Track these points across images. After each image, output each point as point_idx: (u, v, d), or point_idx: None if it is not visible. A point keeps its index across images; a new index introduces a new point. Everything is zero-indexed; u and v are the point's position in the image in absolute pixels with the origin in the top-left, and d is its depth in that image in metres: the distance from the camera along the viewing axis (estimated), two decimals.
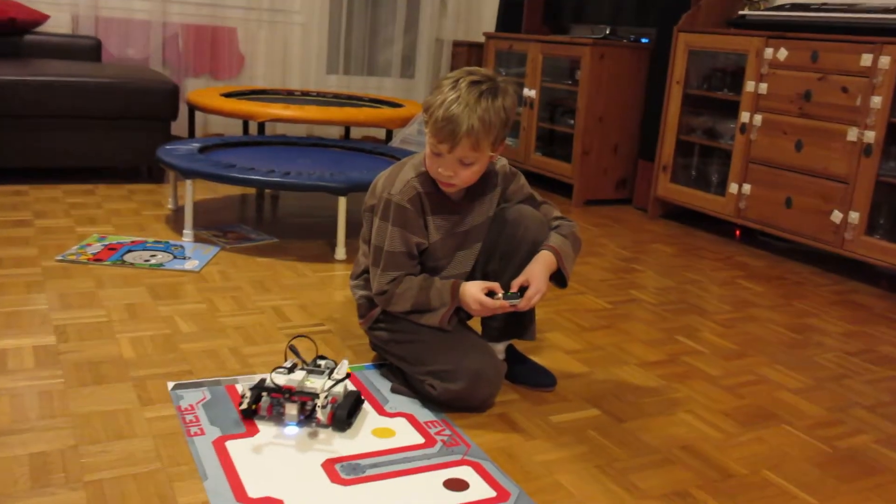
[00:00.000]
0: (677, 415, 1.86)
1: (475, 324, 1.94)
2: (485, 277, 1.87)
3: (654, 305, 2.62)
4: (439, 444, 1.63)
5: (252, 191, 3.71)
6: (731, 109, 3.48)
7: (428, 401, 1.79)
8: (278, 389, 1.63)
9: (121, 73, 3.71)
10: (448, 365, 1.73)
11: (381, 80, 5.45)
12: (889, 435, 1.84)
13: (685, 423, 1.82)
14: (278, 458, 1.53)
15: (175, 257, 2.68)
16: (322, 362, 1.74)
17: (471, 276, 1.88)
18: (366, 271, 1.87)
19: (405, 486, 1.47)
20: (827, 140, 3.06)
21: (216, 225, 3.12)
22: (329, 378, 1.67)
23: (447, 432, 1.68)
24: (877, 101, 2.88)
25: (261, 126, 3.94)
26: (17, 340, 1.96)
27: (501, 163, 1.89)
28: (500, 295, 1.73)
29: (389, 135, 4.20)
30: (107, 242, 2.78)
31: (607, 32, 4.26)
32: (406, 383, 1.85)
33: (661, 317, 2.52)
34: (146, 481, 1.43)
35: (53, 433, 1.56)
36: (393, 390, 1.85)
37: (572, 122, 4.09)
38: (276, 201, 3.64)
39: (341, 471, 1.50)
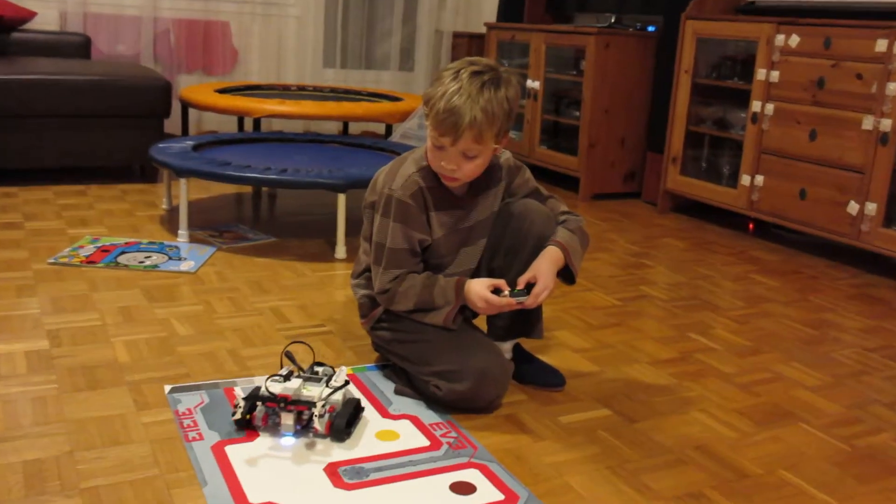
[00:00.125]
0: (690, 414, 1.86)
1: (481, 322, 1.94)
2: (490, 274, 1.87)
3: (666, 302, 2.62)
4: (445, 447, 1.63)
5: (248, 189, 3.72)
6: (742, 98, 3.47)
7: (433, 402, 1.79)
8: (273, 398, 1.61)
9: (111, 71, 3.71)
10: (453, 365, 1.73)
11: (380, 73, 5.45)
12: None
13: (698, 423, 1.82)
14: (280, 462, 1.53)
15: (170, 258, 2.69)
16: (320, 369, 1.72)
17: (476, 273, 1.88)
18: (367, 270, 1.88)
19: (410, 491, 1.48)
20: (841, 129, 3.06)
21: (212, 225, 3.12)
22: (327, 386, 1.65)
23: (453, 434, 1.68)
24: (893, 87, 2.88)
25: (256, 122, 3.95)
26: (9, 346, 1.97)
27: (505, 156, 1.89)
28: (507, 292, 1.73)
29: (389, 129, 4.20)
30: (100, 244, 2.78)
31: (612, 21, 4.26)
32: (410, 384, 1.85)
33: (673, 313, 2.52)
34: (144, 488, 1.43)
35: (48, 440, 1.56)
36: (396, 392, 1.85)
37: (578, 113, 4.09)
38: (274, 200, 3.64)
39: (344, 475, 1.51)
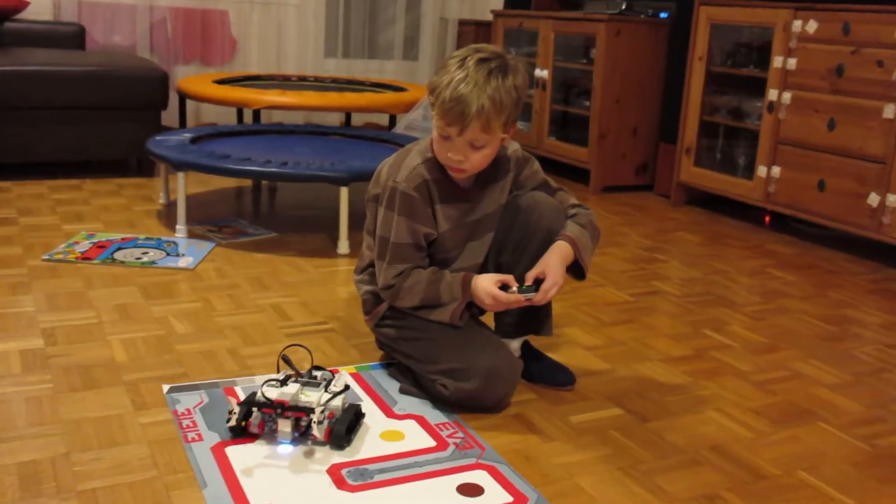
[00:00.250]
0: (705, 413, 1.86)
1: (488, 319, 1.94)
2: (497, 270, 1.87)
3: (679, 298, 2.62)
4: (452, 448, 1.63)
5: (248, 183, 3.72)
6: (758, 87, 3.46)
7: (439, 401, 1.79)
8: (270, 404, 1.58)
9: (106, 61, 3.72)
10: (460, 363, 1.73)
11: (383, 62, 5.45)
12: None
13: (714, 422, 1.82)
14: (281, 464, 1.54)
15: (168, 254, 2.69)
16: (318, 373, 1.69)
17: (483, 269, 1.88)
18: (371, 265, 1.88)
19: (416, 492, 1.48)
20: (861, 118, 3.04)
21: (211, 220, 3.13)
22: (326, 390, 1.62)
23: (460, 434, 1.68)
24: None
25: (256, 114, 3.95)
26: (3, 344, 1.97)
27: (513, 147, 1.89)
28: (515, 288, 1.73)
29: (393, 121, 4.20)
30: (95, 240, 2.79)
31: (623, 7, 4.25)
32: (416, 383, 1.85)
33: (687, 309, 2.52)
34: (142, 490, 1.44)
35: (43, 441, 1.57)
36: (402, 391, 1.85)
37: (588, 103, 4.08)
38: (274, 193, 3.65)
39: (348, 476, 1.51)
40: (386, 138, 3.47)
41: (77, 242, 2.75)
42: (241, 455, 1.56)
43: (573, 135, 4.28)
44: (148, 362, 1.93)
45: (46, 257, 2.59)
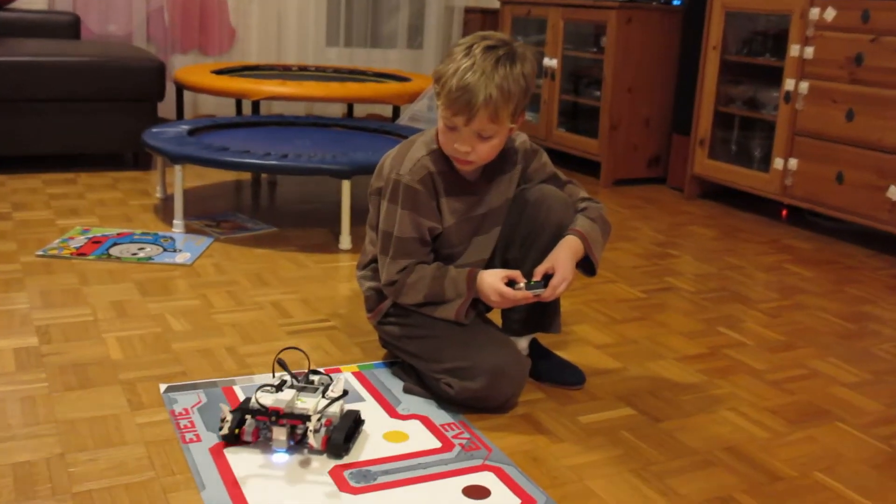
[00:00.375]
0: (719, 413, 1.86)
1: (495, 316, 1.94)
2: (504, 265, 1.87)
3: (693, 294, 2.62)
4: (457, 449, 1.64)
5: (247, 176, 3.73)
6: (775, 76, 3.45)
7: (444, 401, 1.79)
8: (264, 411, 1.56)
9: (102, 52, 3.72)
10: (466, 361, 1.73)
11: (386, 52, 5.45)
12: None
13: (728, 422, 1.82)
14: (282, 465, 1.54)
15: (165, 250, 2.70)
16: (315, 378, 1.67)
17: (489, 264, 1.88)
18: (374, 260, 1.88)
19: (420, 495, 1.48)
20: (881, 108, 3.03)
21: (209, 214, 3.14)
22: (323, 396, 1.60)
23: (466, 435, 1.69)
24: None
25: (255, 105, 3.95)
26: None
27: (521, 139, 1.89)
28: (522, 284, 1.73)
29: (397, 112, 4.20)
30: (91, 235, 2.80)
31: None
32: (420, 382, 1.85)
33: (701, 306, 2.52)
34: (139, 492, 1.44)
35: (38, 441, 1.58)
36: (406, 390, 1.85)
37: (598, 93, 4.08)
38: (274, 187, 3.65)
39: (350, 478, 1.51)
40: (389, 130, 3.47)
41: (72, 238, 2.76)
42: (241, 456, 1.56)
43: (583, 126, 4.27)
44: (144, 361, 1.93)
45: (40, 253, 2.60)
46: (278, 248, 2.80)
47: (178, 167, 2.85)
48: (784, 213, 3.67)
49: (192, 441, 1.60)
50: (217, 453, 1.56)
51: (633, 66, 3.98)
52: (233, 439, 1.58)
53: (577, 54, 4.26)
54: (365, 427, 1.68)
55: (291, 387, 1.63)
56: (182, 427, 1.65)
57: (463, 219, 1.81)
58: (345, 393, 1.63)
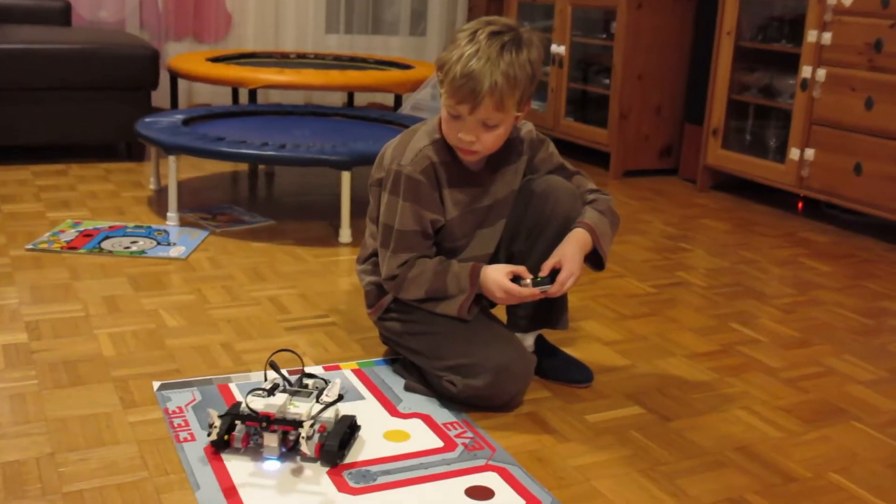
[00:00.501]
0: (731, 412, 1.86)
1: (500, 312, 1.94)
2: (509, 259, 1.88)
3: (705, 289, 2.62)
4: (460, 448, 1.64)
5: (244, 167, 3.73)
6: (791, 63, 3.45)
7: (447, 399, 1.80)
8: (255, 416, 1.53)
9: (93, 39, 3.73)
10: (469, 359, 1.73)
11: (388, 38, 5.45)
12: None
13: (740, 422, 1.82)
14: (273, 473, 1.54)
15: (158, 244, 2.71)
16: (310, 381, 1.66)
17: (494, 258, 1.89)
18: (374, 254, 1.88)
19: (422, 495, 1.49)
20: None
21: (204, 206, 3.14)
22: (317, 401, 1.58)
23: (469, 434, 1.69)
24: None
25: (252, 94, 3.96)
26: None
27: (527, 128, 1.89)
28: (528, 280, 1.73)
29: (399, 101, 4.20)
30: (82, 228, 2.80)
31: None
32: (422, 380, 1.86)
33: (713, 302, 2.52)
34: (131, 492, 1.45)
35: (28, 440, 1.58)
36: (407, 388, 1.86)
37: (608, 81, 4.07)
38: (272, 178, 3.66)
39: (350, 479, 1.52)
40: (391, 119, 3.47)
41: (62, 231, 2.77)
42: (230, 464, 1.56)
43: (592, 115, 4.27)
44: (137, 358, 1.94)
45: (30, 247, 2.61)
46: (276, 242, 2.81)
47: (172, 158, 2.86)
48: (800, 205, 3.67)
49: (186, 440, 1.61)
50: (212, 453, 1.57)
51: (644, 53, 3.97)
52: (222, 445, 1.56)
53: (585, 41, 4.25)
54: (365, 426, 1.68)
55: (284, 391, 1.61)
56: (176, 426, 1.66)
57: (466, 211, 1.82)
58: (340, 397, 1.61)
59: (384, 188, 1.80)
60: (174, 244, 2.71)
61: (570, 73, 4.29)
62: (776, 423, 1.82)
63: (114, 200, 3.16)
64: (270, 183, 3.60)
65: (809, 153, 3.35)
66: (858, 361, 2.16)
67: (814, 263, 2.94)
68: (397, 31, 5.48)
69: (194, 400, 1.76)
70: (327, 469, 1.54)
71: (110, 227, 2.83)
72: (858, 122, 3.18)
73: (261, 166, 3.72)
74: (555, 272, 1.75)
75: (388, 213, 1.78)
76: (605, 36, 4.16)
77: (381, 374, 1.93)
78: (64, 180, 3.40)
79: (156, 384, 1.82)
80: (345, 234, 2.83)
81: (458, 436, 1.68)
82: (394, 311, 1.87)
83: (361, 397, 1.81)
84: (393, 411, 1.77)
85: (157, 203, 3.15)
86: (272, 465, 1.55)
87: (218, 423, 1.56)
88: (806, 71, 3.34)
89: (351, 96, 4.67)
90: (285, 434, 1.56)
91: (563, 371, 1.95)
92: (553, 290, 1.74)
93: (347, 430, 1.59)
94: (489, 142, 1.72)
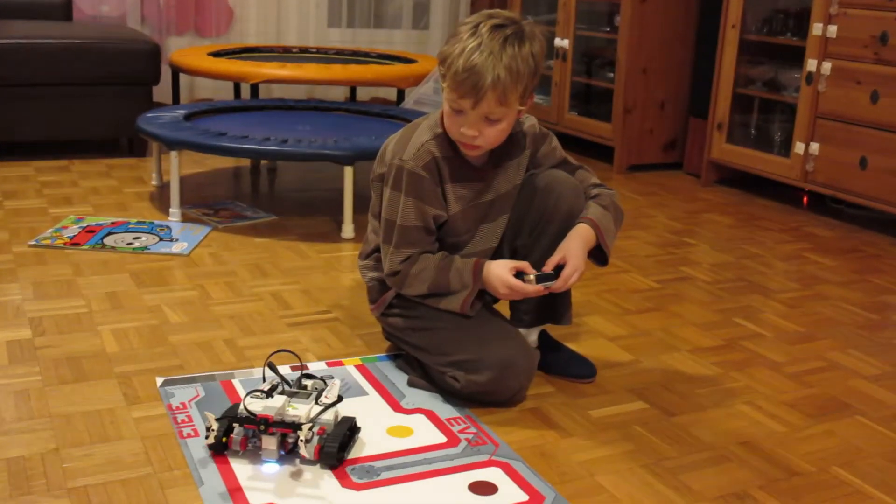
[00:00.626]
0: (735, 407, 1.87)
1: (503, 307, 1.95)
2: (513, 254, 1.88)
3: (709, 284, 2.63)
4: (463, 444, 1.65)
5: (246, 162, 3.74)
6: (796, 57, 3.45)
7: (450, 395, 1.81)
8: (253, 419, 1.52)
9: (95, 34, 3.74)
10: (472, 354, 1.74)
11: (391, 32, 5.45)
12: None
13: (744, 416, 1.83)
14: (272, 476, 1.54)
15: (161, 239, 2.72)
16: (309, 382, 1.65)
17: (497, 253, 1.89)
18: (376, 250, 1.89)
19: (425, 491, 1.50)
20: None
21: (206, 202, 3.15)
22: (316, 403, 1.57)
23: (472, 430, 1.70)
24: None
25: (254, 89, 3.96)
26: None
27: (530, 122, 1.89)
28: (532, 276, 1.73)
29: (401, 95, 4.21)
30: (84, 224, 2.82)
31: None
32: (425, 376, 1.87)
33: (717, 297, 2.52)
34: (135, 488, 1.46)
35: (32, 436, 1.60)
36: (410, 384, 1.87)
37: (612, 75, 4.07)
38: (274, 174, 3.67)
39: (353, 474, 1.53)
40: (394, 114, 3.48)
41: (65, 227, 2.78)
42: (237, 457, 1.58)
43: (596, 109, 4.27)
44: (140, 354, 1.95)
45: (33, 243, 2.62)
46: (278, 238, 2.82)
47: (174, 153, 2.87)
48: (805, 199, 3.67)
49: (189, 436, 1.62)
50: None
51: (648, 47, 3.97)
52: (220, 448, 1.55)
53: (589, 34, 4.25)
54: (368, 421, 1.70)
55: (282, 392, 1.61)
56: (179, 422, 1.67)
57: (469, 206, 1.82)
58: (339, 398, 1.60)
59: (386, 183, 1.80)
60: (176, 240, 2.72)
61: (574, 67, 4.29)
62: (780, 418, 1.83)
63: (116, 196, 3.17)
64: (272, 178, 3.61)
65: (814, 147, 3.36)
66: (863, 356, 2.17)
67: (818, 258, 2.94)
68: (400, 24, 5.48)
69: (198, 396, 1.77)
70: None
71: (113, 223, 2.84)
72: (864, 116, 3.18)
73: (263, 161, 3.73)
74: (558, 268, 1.75)
75: (390, 209, 1.78)
76: (609, 29, 4.16)
77: (384, 369, 1.94)
78: (66, 176, 3.41)
79: (159, 380, 1.83)
80: (347, 230, 2.84)
81: (461, 431, 1.69)
82: (396, 306, 1.88)
83: (364, 393, 1.82)
84: (396, 407, 1.78)
85: (160, 199, 3.16)
86: (271, 467, 1.54)
87: (216, 425, 1.54)
88: (811, 64, 3.34)
89: (353, 91, 4.67)
90: (284, 437, 1.55)
91: (566, 366, 1.96)
92: (557, 285, 1.74)
93: (347, 432, 1.58)
94: (492, 136, 1.72)
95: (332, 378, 1.68)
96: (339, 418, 1.61)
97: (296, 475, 1.52)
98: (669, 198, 3.63)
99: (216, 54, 4.12)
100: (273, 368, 1.68)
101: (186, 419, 1.68)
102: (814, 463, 1.66)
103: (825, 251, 3.02)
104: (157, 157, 3.30)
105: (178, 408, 1.72)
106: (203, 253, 2.64)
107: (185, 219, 2.93)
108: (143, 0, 4.69)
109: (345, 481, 1.50)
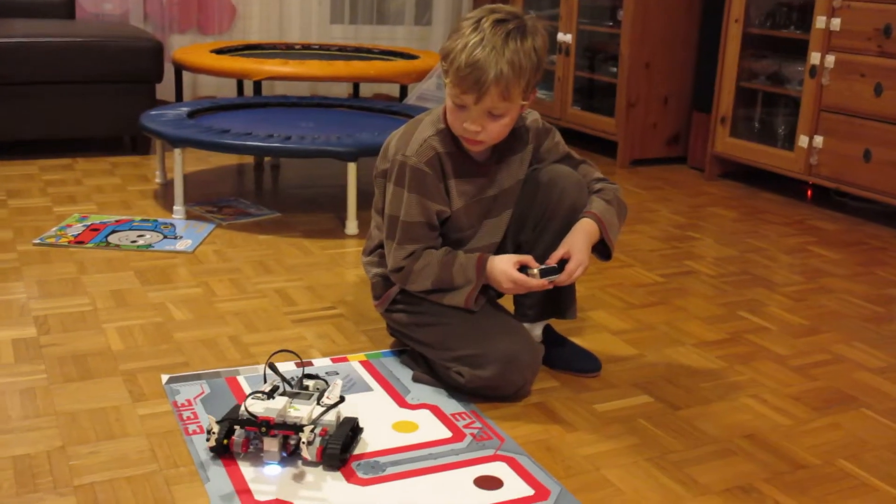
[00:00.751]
0: (740, 400, 1.87)
1: (507, 302, 1.95)
2: (517, 249, 1.89)
3: (713, 278, 2.62)
4: (469, 439, 1.65)
5: (250, 159, 3.74)
6: (799, 50, 3.44)
7: (455, 390, 1.81)
8: (254, 421, 1.51)
9: (97, 31, 3.74)
10: (476, 349, 1.74)
11: (393, 28, 5.44)
12: None
13: (749, 410, 1.83)
14: (274, 479, 1.53)
15: (165, 237, 2.72)
16: (310, 383, 1.65)
17: (501, 248, 1.89)
18: (380, 246, 1.89)
19: (431, 486, 1.50)
20: None
21: (210, 199, 3.16)
22: (318, 403, 1.56)
23: (477, 425, 1.70)
24: None
25: (257, 86, 3.96)
26: None
27: (533, 117, 1.89)
28: (536, 270, 1.73)
29: (404, 91, 4.21)
30: (89, 222, 2.82)
31: None
32: (430, 371, 1.87)
33: (722, 290, 2.52)
34: (142, 484, 1.47)
35: (38, 434, 1.60)
36: (415, 379, 1.87)
37: (615, 69, 4.07)
38: (277, 171, 3.67)
39: (359, 469, 1.53)
40: (397, 110, 3.48)
41: (69, 225, 2.78)
42: (231, 469, 1.58)
43: (599, 104, 4.26)
44: (145, 351, 1.96)
45: (38, 241, 2.63)
46: (282, 234, 2.82)
47: (177, 151, 2.87)
48: (809, 192, 3.66)
49: (195, 433, 1.63)
50: None
51: (651, 41, 3.96)
52: (221, 451, 1.54)
53: (592, 28, 4.25)
54: (373, 417, 1.70)
55: (284, 393, 1.60)
56: (185, 419, 1.68)
57: (472, 201, 1.82)
58: (341, 399, 1.60)
59: (389, 179, 1.80)
60: (181, 237, 2.72)
61: (577, 62, 4.28)
62: (785, 411, 1.83)
63: (120, 194, 3.18)
64: (276, 175, 3.61)
65: (818, 140, 3.35)
66: (868, 349, 2.17)
67: (823, 251, 2.94)
68: (402, 20, 5.47)
69: (203, 393, 1.78)
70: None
71: (117, 221, 2.84)
72: (868, 109, 3.17)
73: (266, 158, 3.73)
74: (562, 262, 1.75)
75: (394, 205, 1.78)
76: (611, 24, 4.16)
77: (388, 365, 1.94)
78: (70, 174, 3.42)
79: (164, 377, 1.84)
80: (351, 226, 2.84)
81: (466, 426, 1.70)
82: (401, 302, 1.88)
83: (369, 389, 1.83)
84: (401, 402, 1.78)
85: (164, 196, 3.16)
86: (273, 469, 1.52)
87: (216, 428, 1.53)
88: (815, 57, 3.34)
89: (356, 87, 4.67)
90: (286, 438, 1.54)
91: (571, 361, 1.96)
92: (561, 279, 1.74)
93: (350, 432, 1.57)
94: (495, 131, 1.72)
95: (335, 377, 1.68)
96: (342, 419, 1.60)
97: (300, 473, 1.52)
98: (673, 192, 3.63)
99: (219, 52, 4.12)
100: (274, 369, 1.67)
101: (192, 416, 1.68)
102: (819, 456, 1.66)
103: (829, 244, 3.02)
104: (161, 154, 3.31)
105: (183, 405, 1.73)
106: (207, 250, 2.64)
107: (189, 216, 2.94)
108: None
109: (351, 477, 1.51)
